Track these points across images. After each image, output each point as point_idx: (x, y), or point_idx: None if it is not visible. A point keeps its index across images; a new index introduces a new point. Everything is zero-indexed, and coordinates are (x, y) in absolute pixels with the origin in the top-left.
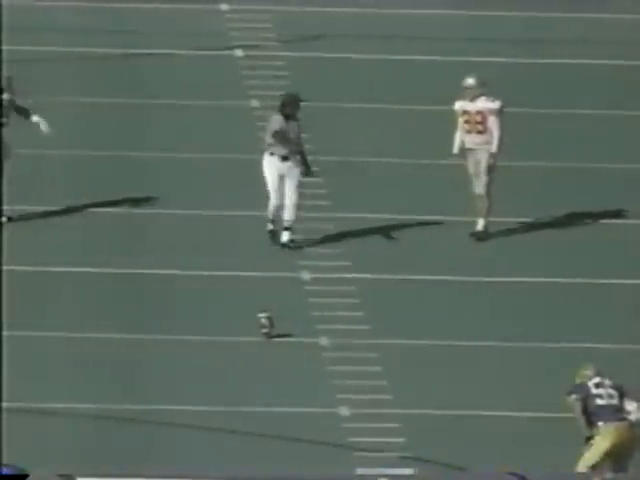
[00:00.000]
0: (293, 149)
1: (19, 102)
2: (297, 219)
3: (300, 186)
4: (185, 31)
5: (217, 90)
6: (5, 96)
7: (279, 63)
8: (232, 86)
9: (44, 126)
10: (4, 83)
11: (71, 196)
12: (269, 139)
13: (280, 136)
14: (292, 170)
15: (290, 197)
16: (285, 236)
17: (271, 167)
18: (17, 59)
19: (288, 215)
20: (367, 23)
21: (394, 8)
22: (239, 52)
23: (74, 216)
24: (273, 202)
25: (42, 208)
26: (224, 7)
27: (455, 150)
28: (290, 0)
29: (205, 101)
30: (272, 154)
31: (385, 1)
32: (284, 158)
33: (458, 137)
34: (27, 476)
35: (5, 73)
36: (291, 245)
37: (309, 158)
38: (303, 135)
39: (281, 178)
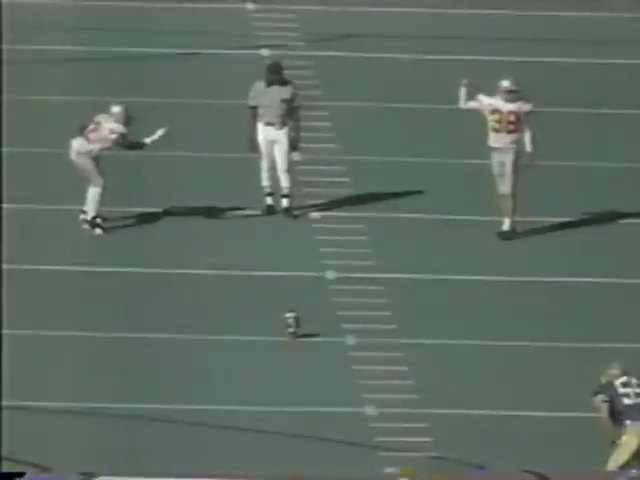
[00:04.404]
0: (274, 114)
1: (131, 137)
2: (322, 219)
3: (290, 153)
4: (211, 30)
5: (243, 90)
6: (119, 129)
7: (305, 63)
8: None
9: (160, 132)
10: (123, 118)
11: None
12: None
13: (252, 102)
14: (279, 136)
15: (279, 163)
16: (284, 203)
17: (260, 133)
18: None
19: (283, 182)
20: (393, 23)
21: (417, 7)
22: (265, 52)
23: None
24: (263, 166)
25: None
26: (250, 6)
27: (461, 103)
28: (316, 0)
29: (230, 100)
30: (260, 120)
31: (408, 0)
32: (268, 124)
33: (463, 93)
34: (24, 474)
35: (124, 110)
36: (291, 212)
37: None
38: (329, 131)
39: (270, 144)
